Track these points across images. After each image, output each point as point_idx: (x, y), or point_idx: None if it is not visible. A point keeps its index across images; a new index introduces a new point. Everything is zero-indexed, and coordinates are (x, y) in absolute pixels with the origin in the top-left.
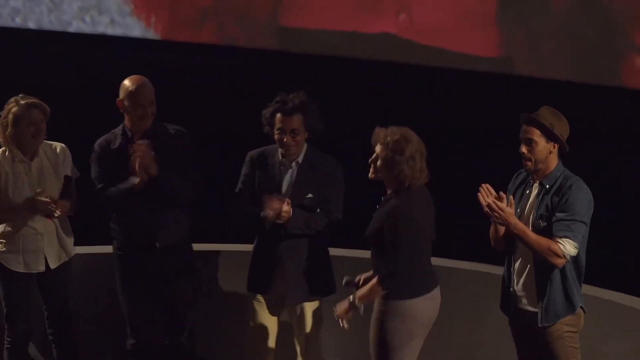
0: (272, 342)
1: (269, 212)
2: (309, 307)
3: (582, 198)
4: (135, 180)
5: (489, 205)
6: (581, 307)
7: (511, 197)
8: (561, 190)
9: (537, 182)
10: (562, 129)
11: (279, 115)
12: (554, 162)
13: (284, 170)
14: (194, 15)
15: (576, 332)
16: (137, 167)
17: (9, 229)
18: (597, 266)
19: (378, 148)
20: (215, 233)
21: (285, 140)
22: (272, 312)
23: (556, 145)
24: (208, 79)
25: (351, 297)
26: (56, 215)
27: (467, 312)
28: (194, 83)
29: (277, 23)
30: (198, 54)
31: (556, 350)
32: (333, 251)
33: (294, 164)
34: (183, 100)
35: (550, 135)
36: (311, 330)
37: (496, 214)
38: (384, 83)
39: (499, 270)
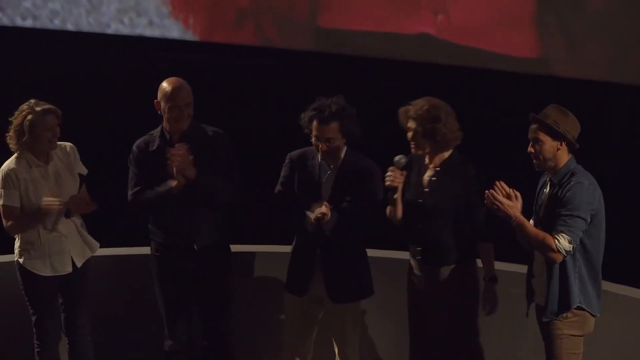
0: (309, 343)
1: (312, 215)
2: (347, 309)
3: (581, 193)
4: (173, 183)
5: (487, 197)
6: (586, 310)
7: (514, 191)
8: (565, 186)
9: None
10: (570, 126)
11: (315, 122)
12: (563, 159)
13: (323, 172)
14: (232, 17)
15: (580, 336)
16: (174, 171)
17: (33, 234)
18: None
19: (412, 124)
20: (250, 234)
21: (321, 147)
22: (310, 313)
23: (563, 143)
24: (246, 80)
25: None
26: (93, 208)
27: (505, 313)
28: (231, 84)
29: (315, 24)
30: (236, 54)
31: (553, 349)
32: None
33: (332, 166)
34: (221, 101)
35: (555, 134)
36: (349, 331)
37: (494, 206)
38: (421, 84)
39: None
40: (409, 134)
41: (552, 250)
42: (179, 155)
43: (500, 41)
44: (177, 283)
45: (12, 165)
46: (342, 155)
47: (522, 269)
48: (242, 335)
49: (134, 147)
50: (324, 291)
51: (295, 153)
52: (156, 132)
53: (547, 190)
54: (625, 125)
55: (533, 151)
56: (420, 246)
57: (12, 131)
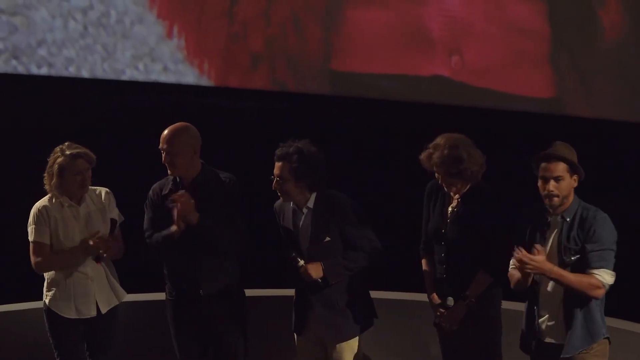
0: None
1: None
2: (346, 346)
3: (608, 226)
4: (173, 228)
5: (519, 260)
6: (607, 338)
7: (539, 246)
8: (585, 222)
9: (557, 216)
10: (577, 161)
11: None
12: (572, 194)
13: (297, 216)
14: (246, 61)
15: None
16: (174, 216)
17: (60, 275)
18: None
19: (438, 169)
20: (269, 278)
21: (274, 185)
22: (315, 352)
23: (576, 177)
24: (261, 124)
25: (463, 302)
26: (105, 255)
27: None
28: (246, 128)
29: (329, 67)
30: (250, 99)
31: None
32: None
33: (304, 209)
34: (236, 146)
35: (574, 169)
36: None
37: (529, 267)
38: (437, 125)
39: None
40: (438, 176)
41: (598, 287)
42: (180, 201)
43: (515, 82)
44: (189, 329)
45: (45, 203)
46: (313, 198)
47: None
48: None
49: (150, 191)
50: (319, 330)
51: (277, 203)
52: (171, 176)
53: (549, 227)
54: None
55: (553, 189)
56: (444, 275)
57: (46, 173)
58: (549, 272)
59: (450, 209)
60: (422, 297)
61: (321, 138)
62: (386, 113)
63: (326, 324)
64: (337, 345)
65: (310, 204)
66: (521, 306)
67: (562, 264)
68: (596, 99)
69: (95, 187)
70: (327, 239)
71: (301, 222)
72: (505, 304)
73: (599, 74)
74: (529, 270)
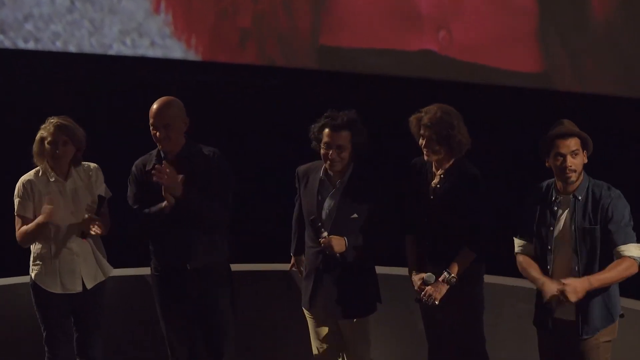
0: (326, 356)
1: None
2: (355, 325)
3: (622, 202)
4: (164, 203)
5: (562, 293)
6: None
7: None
8: (599, 201)
9: (569, 195)
10: None
11: (327, 130)
12: (582, 171)
13: (325, 189)
14: (234, 37)
15: (610, 341)
16: (163, 190)
17: (45, 250)
18: None
19: (426, 131)
20: (257, 252)
21: (330, 155)
22: (324, 328)
23: (586, 153)
24: (249, 99)
25: (446, 279)
26: (93, 233)
27: (514, 328)
28: (234, 103)
29: (317, 42)
30: (239, 74)
31: (591, 358)
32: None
33: (338, 182)
34: (223, 121)
35: (585, 145)
36: (357, 348)
37: (574, 300)
38: (424, 100)
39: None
40: (422, 141)
41: (632, 265)
42: (165, 173)
43: (503, 57)
44: (175, 304)
45: (30, 177)
46: (349, 173)
47: (527, 283)
48: (247, 356)
49: (133, 167)
50: (327, 306)
51: (302, 167)
52: (154, 151)
53: (559, 207)
54: (629, 139)
55: (571, 164)
56: (427, 252)
57: None
58: (590, 287)
59: (432, 185)
60: (406, 271)
61: (309, 113)
62: (374, 88)
63: (335, 300)
64: (349, 322)
65: (345, 178)
66: (505, 280)
67: (581, 243)
68: (585, 74)
69: (84, 162)
70: (355, 215)
71: (330, 194)
72: (489, 278)
73: (588, 50)
74: (575, 301)
